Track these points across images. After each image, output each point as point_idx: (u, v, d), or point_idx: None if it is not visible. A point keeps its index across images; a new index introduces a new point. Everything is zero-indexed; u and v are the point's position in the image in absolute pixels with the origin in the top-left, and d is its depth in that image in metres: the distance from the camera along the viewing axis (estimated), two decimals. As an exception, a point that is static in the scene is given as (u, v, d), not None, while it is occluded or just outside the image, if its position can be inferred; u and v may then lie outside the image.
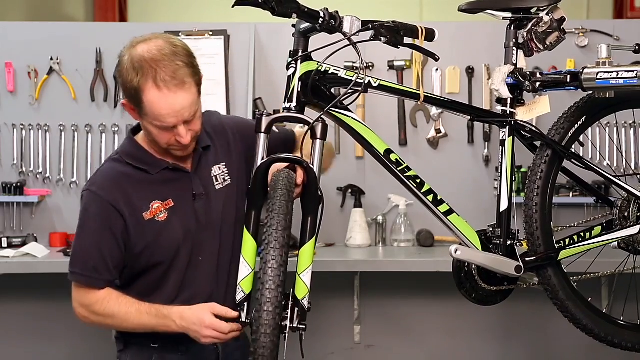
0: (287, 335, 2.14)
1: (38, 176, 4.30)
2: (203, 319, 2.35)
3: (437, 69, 4.31)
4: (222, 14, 6.99)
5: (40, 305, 4.29)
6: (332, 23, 2.30)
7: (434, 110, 4.25)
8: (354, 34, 2.34)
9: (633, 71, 2.51)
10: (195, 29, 4.33)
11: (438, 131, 4.29)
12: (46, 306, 4.29)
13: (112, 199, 2.49)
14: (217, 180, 2.61)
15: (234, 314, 2.30)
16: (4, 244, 4.12)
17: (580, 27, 4.30)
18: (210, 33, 4.32)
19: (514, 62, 2.62)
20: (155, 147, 2.56)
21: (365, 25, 2.36)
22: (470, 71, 4.33)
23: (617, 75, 2.52)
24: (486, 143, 4.33)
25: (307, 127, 2.30)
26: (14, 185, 4.22)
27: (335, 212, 4.28)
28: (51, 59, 4.29)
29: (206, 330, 2.34)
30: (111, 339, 4.22)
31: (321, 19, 2.28)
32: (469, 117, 2.71)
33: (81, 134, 4.32)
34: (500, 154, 2.63)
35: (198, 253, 2.56)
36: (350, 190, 4.33)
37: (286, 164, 2.30)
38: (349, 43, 2.33)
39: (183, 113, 2.42)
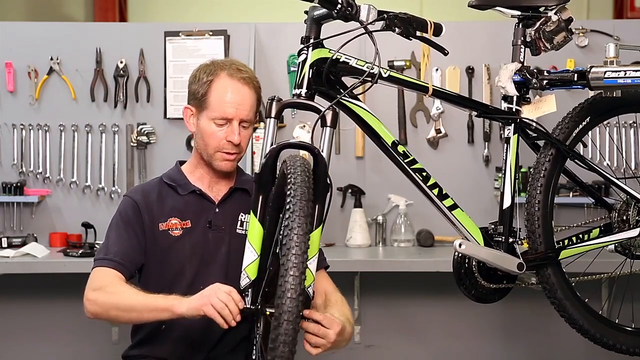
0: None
1: (38, 176, 4.30)
2: (220, 284, 2.29)
3: (437, 69, 4.31)
4: (222, 14, 7.02)
5: (40, 305, 4.29)
6: (349, 10, 2.29)
7: (434, 110, 4.25)
8: (370, 23, 2.33)
9: None
10: (195, 29, 4.33)
11: (438, 131, 4.30)
12: (46, 306, 4.29)
13: (137, 199, 2.67)
14: (241, 225, 2.67)
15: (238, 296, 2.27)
16: (4, 244, 4.12)
17: (580, 27, 4.30)
18: (210, 33, 4.32)
19: (521, 59, 2.63)
20: (200, 165, 2.69)
21: (380, 15, 2.35)
22: (470, 71, 4.33)
23: (625, 74, 2.53)
24: (486, 143, 4.33)
25: (317, 116, 2.29)
26: (14, 185, 4.21)
27: (335, 212, 4.27)
28: (51, 59, 4.29)
29: (222, 292, 2.24)
30: (111, 339, 4.25)
31: (339, 5, 2.27)
32: (476, 113, 2.71)
33: (81, 134, 4.31)
34: (505, 151, 2.63)
35: (201, 281, 2.55)
36: (350, 190, 4.33)
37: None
38: (364, 32, 2.32)
39: (242, 109, 2.59)
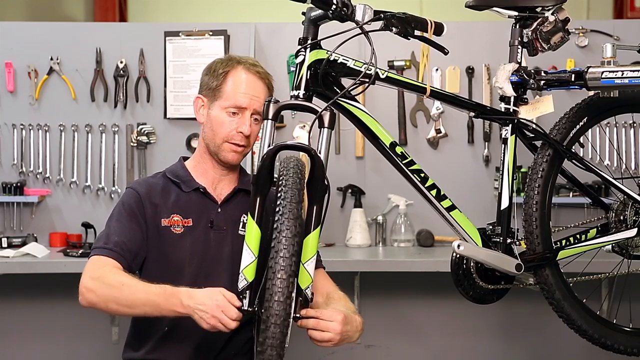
0: (290, 324, 2.11)
1: (38, 176, 4.30)
2: (216, 298, 2.26)
3: (437, 69, 4.32)
4: (222, 14, 7.02)
5: (40, 305, 4.29)
6: (344, 10, 2.29)
7: (434, 110, 4.25)
8: (366, 23, 2.33)
9: (638, 70, 2.52)
10: (195, 29, 4.33)
11: (438, 131, 4.30)
12: (46, 306, 4.29)
13: (142, 192, 2.64)
14: (243, 227, 2.65)
15: (239, 303, 2.25)
16: (4, 244, 4.12)
17: (580, 27, 4.31)
18: (210, 33, 4.32)
19: (519, 60, 2.63)
20: (204, 159, 2.68)
21: (377, 14, 2.35)
22: (470, 71, 4.33)
23: (622, 74, 2.53)
24: (486, 143, 4.33)
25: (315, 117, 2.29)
26: (14, 185, 4.22)
27: (335, 212, 4.28)
28: (51, 59, 4.29)
29: (216, 310, 2.23)
30: (111, 339, 4.25)
31: (334, 6, 2.27)
32: (473, 114, 2.71)
33: (81, 134, 4.32)
34: (502, 152, 2.63)
35: (203, 282, 2.51)
36: (350, 190, 4.33)
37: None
38: (360, 32, 2.32)
39: (256, 100, 2.59)
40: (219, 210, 2.67)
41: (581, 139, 2.73)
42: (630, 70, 2.52)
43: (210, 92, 2.63)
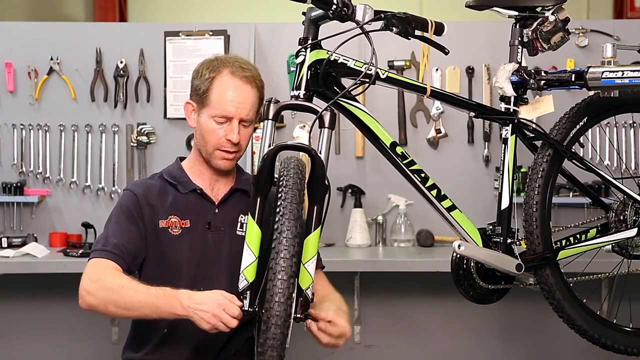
0: (291, 325, 2.11)
1: (38, 176, 4.30)
2: (217, 298, 2.26)
3: (437, 69, 4.32)
4: (222, 14, 7.02)
5: (40, 305, 4.29)
6: (344, 10, 2.29)
7: (434, 110, 4.25)
8: (367, 23, 2.33)
9: (638, 70, 2.52)
10: (195, 29, 4.33)
11: (438, 131, 4.30)
12: (46, 306, 4.29)
13: (138, 194, 2.64)
14: (241, 227, 2.65)
15: (240, 303, 2.25)
16: (4, 244, 4.12)
17: (580, 27, 4.31)
18: (210, 33, 4.32)
19: (519, 60, 2.63)
20: (200, 161, 2.67)
21: (377, 14, 2.35)
22: (470, 71, 4.33)
23: (622, 74, 2.53)
24: (486, 143, 4.33)
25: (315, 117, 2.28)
26: (14, 185, 4.22)
27: (335, 212, 4.28)
28: (51, 59, 4.29)
29: (218, 308, 2.23)
30: (111, 339, 4.25)
31: (334, 6, 2.27)
32: (473, 114, 2.71)
33: (81, 134, 4.32)
34: (502, 152, 2.63)
35: (202, 283, 2.51)
36: (350, 190, 4.33)
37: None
38: (361, 32, 2.32)
39: (243, 108, 2.57)
40: (216, 211, 2.67)
41: (581, 139, 2.73)
42: (631, 70, 2.52)
43: (198, 97, 2.62)
